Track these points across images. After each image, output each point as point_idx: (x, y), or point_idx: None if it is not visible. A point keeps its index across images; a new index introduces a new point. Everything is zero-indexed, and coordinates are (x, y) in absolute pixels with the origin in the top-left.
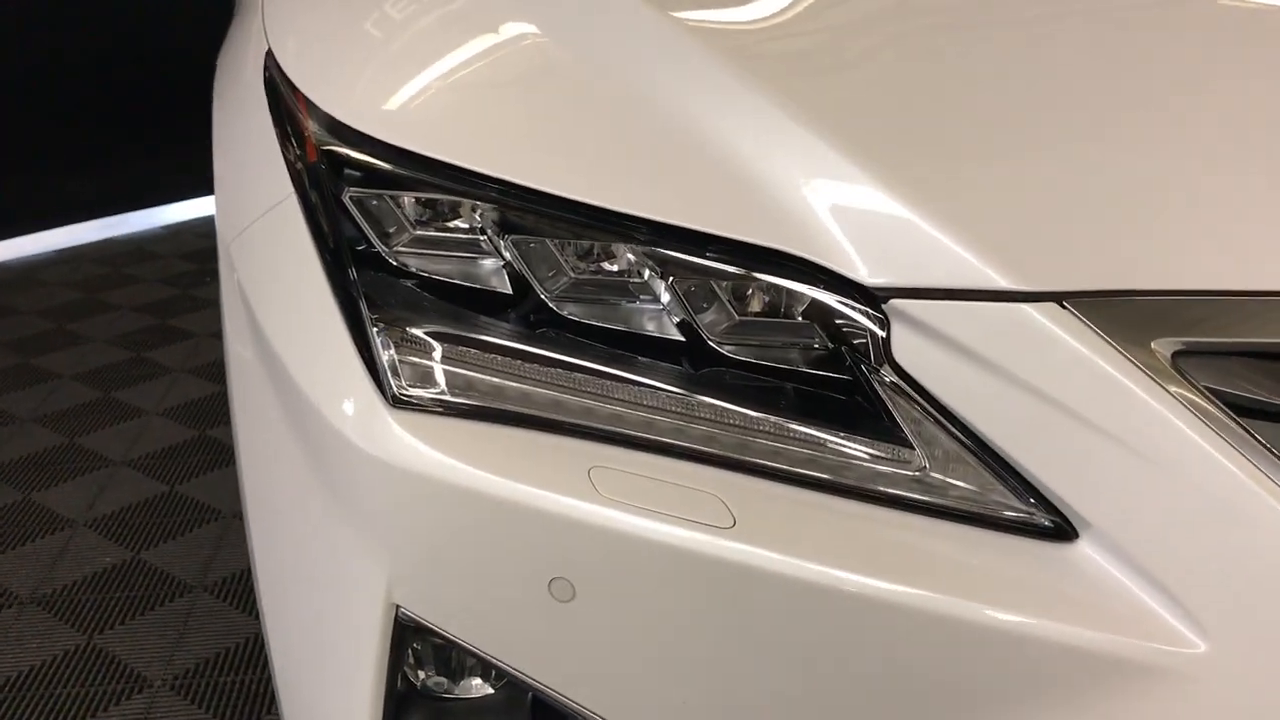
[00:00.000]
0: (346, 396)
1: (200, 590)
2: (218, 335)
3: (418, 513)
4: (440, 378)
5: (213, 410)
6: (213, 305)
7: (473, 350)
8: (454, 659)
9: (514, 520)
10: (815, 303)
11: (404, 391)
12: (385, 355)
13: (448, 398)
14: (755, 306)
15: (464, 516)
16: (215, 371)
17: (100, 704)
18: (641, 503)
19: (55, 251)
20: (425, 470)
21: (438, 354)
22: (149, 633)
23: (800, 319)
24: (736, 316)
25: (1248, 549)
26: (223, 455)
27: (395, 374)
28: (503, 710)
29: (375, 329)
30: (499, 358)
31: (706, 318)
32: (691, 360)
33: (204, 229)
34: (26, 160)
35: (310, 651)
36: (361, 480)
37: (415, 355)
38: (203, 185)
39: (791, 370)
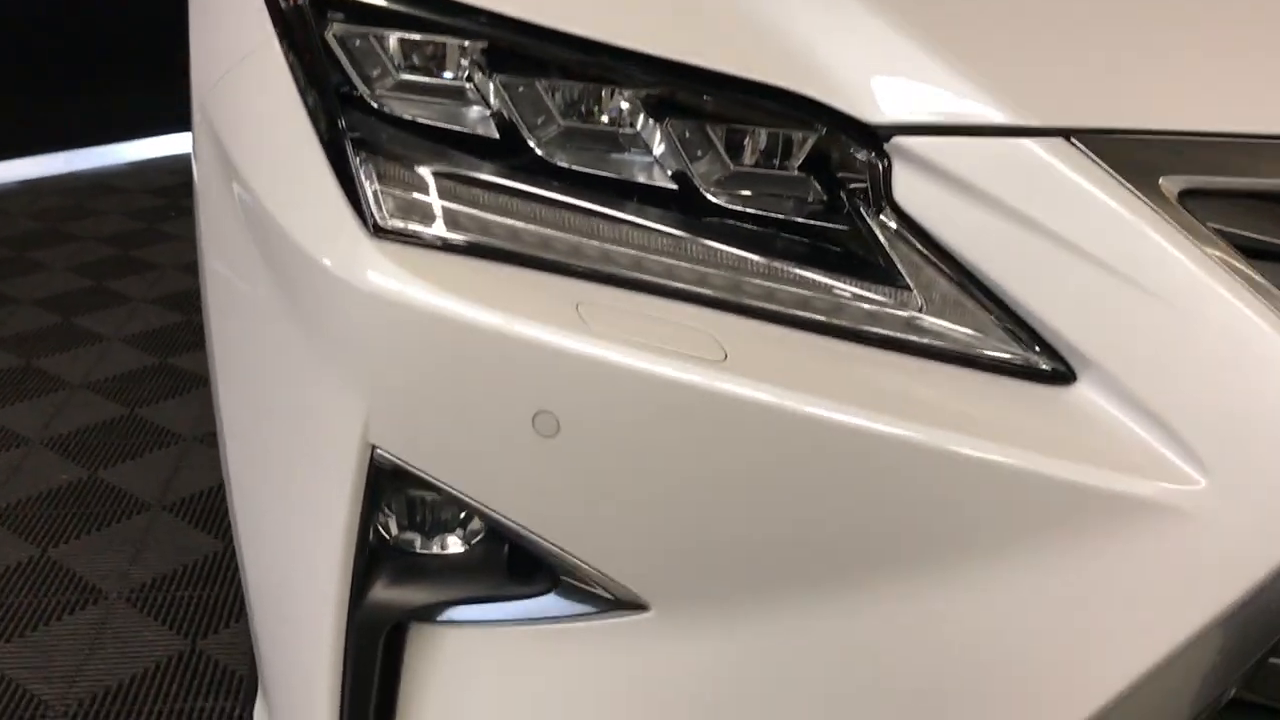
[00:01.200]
0: (327, 229)
1: (159, 509)
2: (181, 268)
3: (398, 345)
4: (424, 210)
5: (175, 339)
6: (178, 238)
7: (459, 185)
8: (425, 515)
9: (498, 352)
10: (812, 152)
11: (386, 222)
12: (369, 186)
13: (431, 230)
14: (749, 158)
15: (446, 348)
16: (178, 301)
17: (54, 613)
18: (628, 335)
19: (18, 182)
20: (407, 300)
21: (422, 187)
22: (105, 548)
23: (796, 171)
24: (731, 167)
25: (1248, 386)
26: (184, 382)
27: (378, 204)
28: (478, 566)
29: (357, 160)
30: (486, 194)
31: (700, 167)
32: (684, 211)
33: (171, 166)
34: None
35: (277, 506)
36: (341, 313)
37: (398, 188)
38: (171, 122)
39: (785, 220)
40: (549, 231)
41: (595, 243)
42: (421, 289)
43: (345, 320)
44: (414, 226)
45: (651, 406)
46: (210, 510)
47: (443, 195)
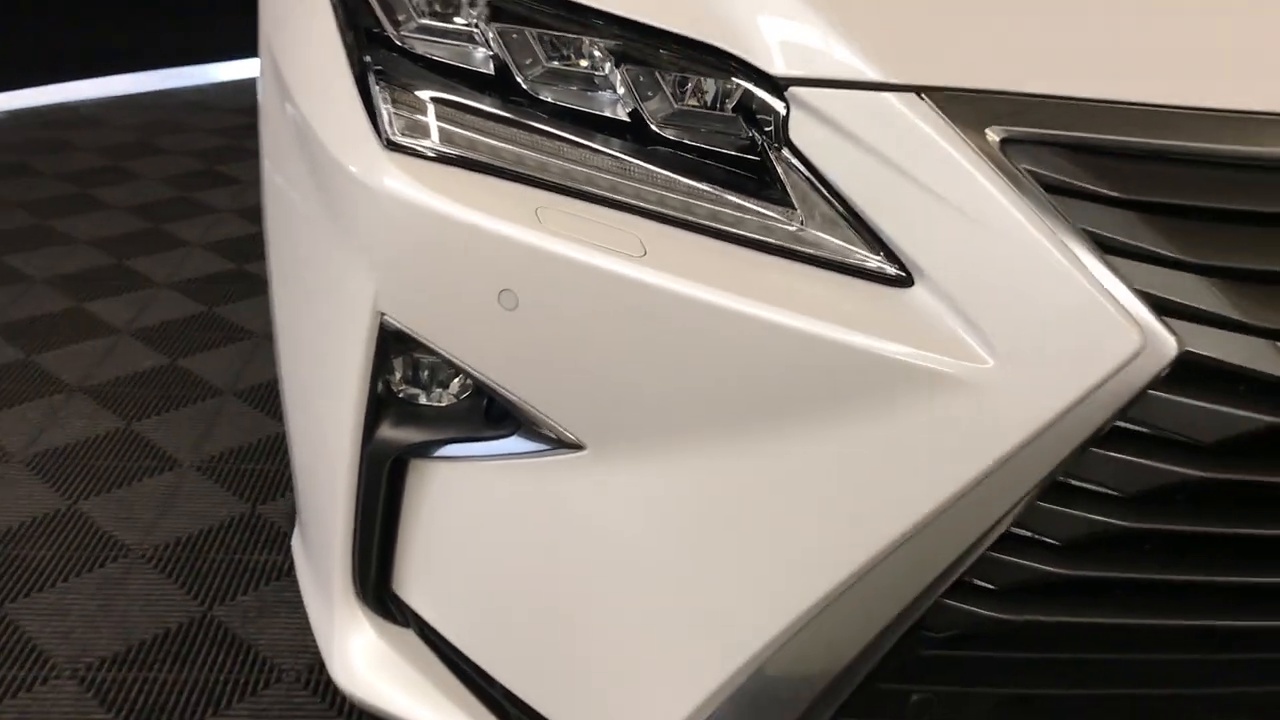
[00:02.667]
0: (353, 141)
1: (230, 394)
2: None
3: (401, 234)
4: (426, 130)
5: (251, 247)
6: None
7: (454, 112)
8: (422, 373)
9: (473, 242)
10: (742, 97)
11: (395, 137)
12: (384, 109)
13: (430, 145)
14: (692, 100)
15: (436, 237)
16: (256, 214)
17: (136, 476)
18: (572, 233)
19: (119, 96)
20: (409, 199)
21: (426, 112)
22: (181, 424)
23: (730, 112)
24: (675, 106)
25: (1032, 290)
26: (257, 286)
27: (390, 124)
28: (461, 415)
29: (378, 88)
30: (476, 120)
31: (651, 106)
32: (637, 140)
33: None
34: (98, 9)
35: (311, 367)
36: (359, 208)
37: (408, 111)
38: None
39: (709, 150)
40: (523, 151)
41: (559, 161)
42: (420, 191)
43: (362, 214)
44: (417, 142)
45: (586, 289)
46: (274, 398)
47: (441, 119)
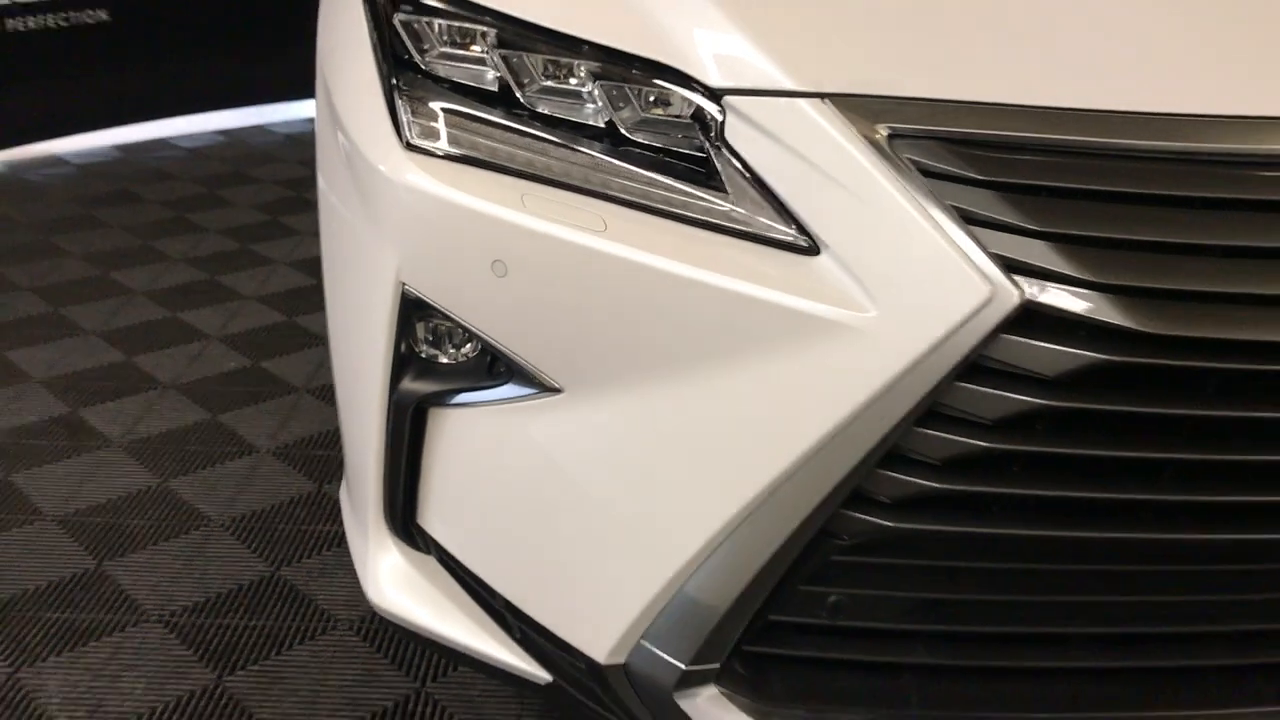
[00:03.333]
0: (380, 144)
1: (304, 391)
2: None
3: (417, 217)
4: (437, 134)
5: None
6: None
7: (461, 120)
8: (438, 334)
9: (472, 222)
10: (687, 103)
11: (413, 140)
12: (405, 118)
13: (440, 146)
14: (656, 110)
15: (442, 219)
16: None
17: (219, 459)
18: (549, 214)
19: (217, 132)
20: (422, 189)
21: (438, 120)
22: (260, 416)
23: (689, 119)
24: (641, 114)
25: (903, 252)
26: None
27: (409, 130)
28: (470, 370)
29: (401, 102)
30: (479, 126)
31: (623, 114)
32: (612, 142)
33: None
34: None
35: (351, 332)
36: (384, 197)
37: (424, 120)
38: None
39: (666, 149)
40: (515, 150)
41: (543, 159)
42: (430, 182)
43: (387, 202)
44: (430, 144)
45: (557, 258)
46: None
47: (450, 125)
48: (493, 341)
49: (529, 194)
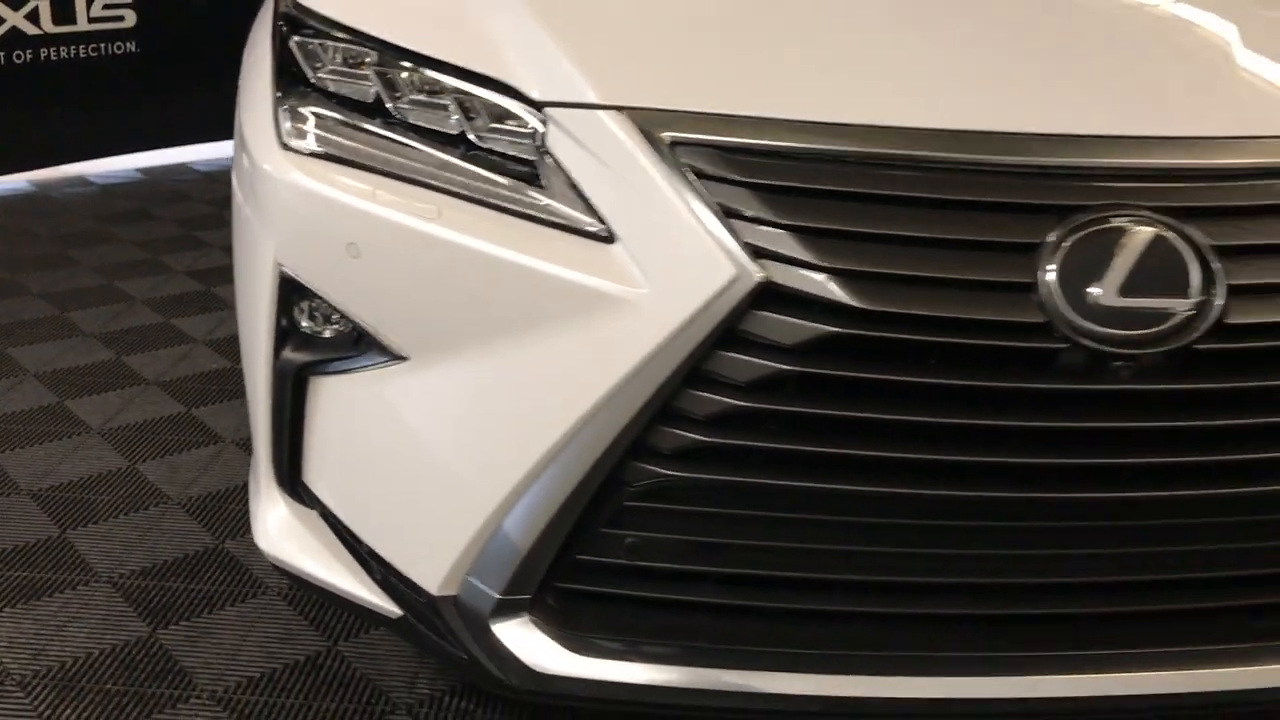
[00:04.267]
0: (265, 147)
1: None
2: None
3: (288, 208)
4: (306, 136)
5: None
6: None
7: (330, 124)
8: (316, 313)
9: (331, 210)
10: (521, 114)
11: (288, 141)
12: (283, 124)
13: (307, 146)
14: (497, 121)
15: (309, 209)
16: None
17: (188, 446)
18: (394, 205)
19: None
20: (291, 181)
21: (307, 124)
22: (229, 411)
23: (522, 126)
24: (489, 124)
25: (675, 242)
26: None
27: (284, 133)
28: (339, 342)
29: (281, 110)
30: (345, 130)
31: (475, 125)
32: (467, 147)
33: None
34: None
35: (246, 309)
36: (264, 190)
37: (298, 124)
38: None
39: (504, 153)
40: (374, 151)
41: (395, 158)
42: (299, 177)
43: (266, 194)
44: (300, 144)
45: (399, 241)
46: None
47: (319, 129)
48: (350, 314)
49: (381, 187)
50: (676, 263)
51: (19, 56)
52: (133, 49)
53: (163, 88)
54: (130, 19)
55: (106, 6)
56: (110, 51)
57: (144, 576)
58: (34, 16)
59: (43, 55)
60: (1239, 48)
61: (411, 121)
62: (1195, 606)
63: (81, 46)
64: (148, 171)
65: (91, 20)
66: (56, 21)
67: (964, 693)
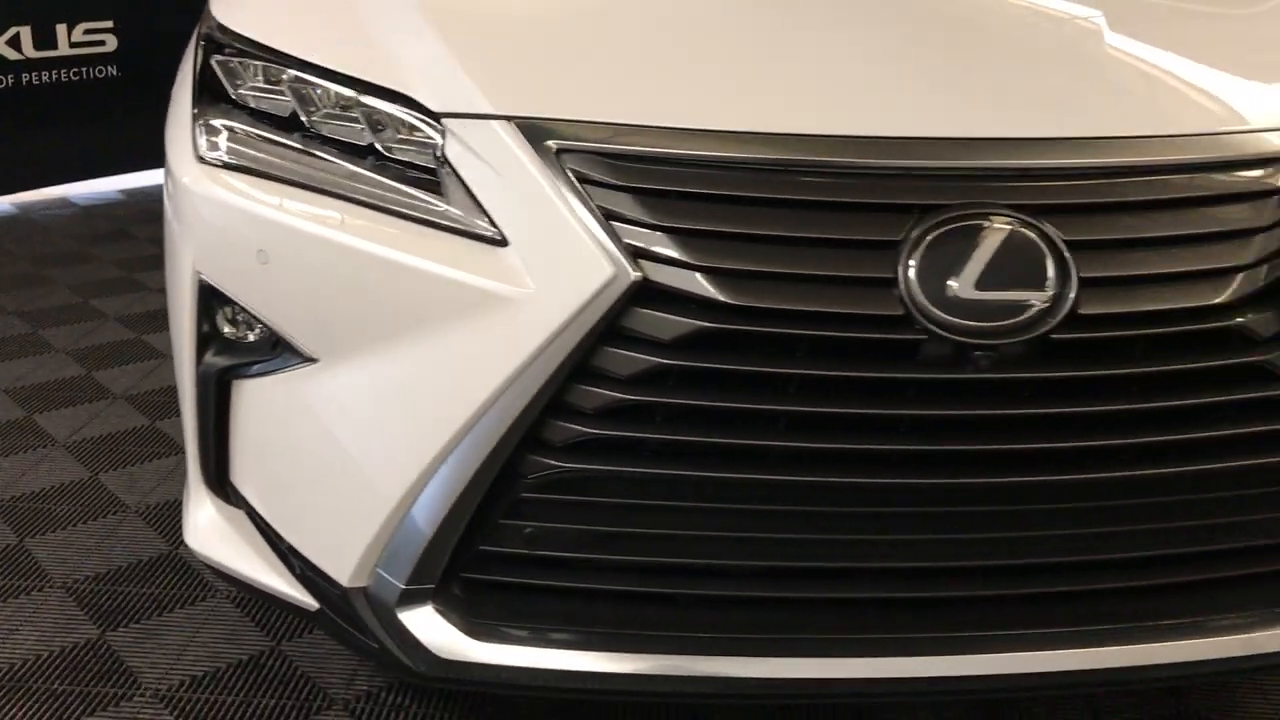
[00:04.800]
0: (184, 159)
1: None
2: None
3: (203, 217)
4: (219, 149)
5: None
6: None
7: (244, 138)
8: (237, 318)
9: (241, 219)
10: (424, 126)
11: (203, 154)
12: (199, 138)
13: (219, 158)
14: (404, 132)
15: (221, 218)
16: None
17: (148, 459)
18: (299, 214)
19: None
20: (204, 192)
21: (220, 137)
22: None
23: (425, 136)
24: (397, 135)
25: (560, 244)
26: None
27: (200, 147)
28: (257, 345)
29: (197, 125)
30: (257, 142)
31: (383, 137)
32: (376, 158)
33: None
34: None
35: (173, 316)
36: (183, 201)
37: (213, 138)
38: None
39: (408, 162)
40: (285, 163)
41: (303, 169)
42: (212, 188)
43: (184, 205)
44: (213, 156)
45: (304, 247)
46: None
47: (231, 141)
48: (263, 319)
49: (288, 197)
50: (560, 263)
51: (1, 82)
52: (114, 73)
53: (144, 111)
54: (111, 44)
55: (88, 31)
56: (92, 75)
57: (97, 581)
58: (15, 42)
59: (25, 80)
60: (1097, 52)
61: (326, 135)
62: (1061, 590)
63: (63, 71)
64: (129, 193)
65: (73, 45)
66: (38, 47)
67: (850, 673)
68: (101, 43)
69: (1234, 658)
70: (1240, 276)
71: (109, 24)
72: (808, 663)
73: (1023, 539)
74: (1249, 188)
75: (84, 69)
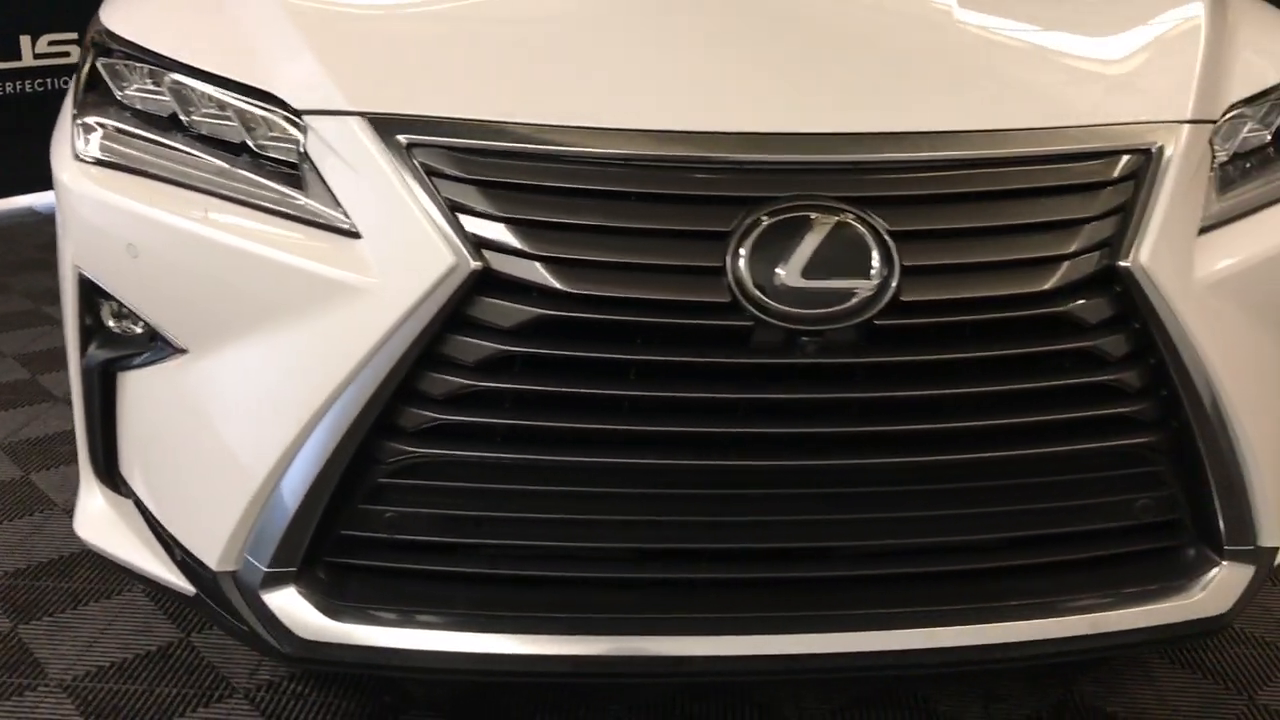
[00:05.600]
0: (62, 158)
1: None
2: None
3: (78, 214)
4: (94, 147)
5: None
6: None
7: (120, 136)
8: (123, 314)
9: (113, 214)
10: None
11: (79, 152)
12: (77, 137)
13: (94, 156)
14: (275, 131)
15: (95, 214)
16: None
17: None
18: (166, 208)
19: None
20: (78, 188)
21: (97, 137)
22: None
23: (289, 135)
24: (269, 132)
25: (406, 234)
26: None
27: (75, 145)
28: (138, 338)
29: (75, 125)
30: (135, 140)
31: (255, 136)
32: (250, 155)
33: None
34: None
35: (63, 310)
36: (61, 198)
37: (89, 137)
38: None
39: (277, 159)
40: (158, 160)
41: (175, 165)
42: (85, 184)
43: (63, 202)
44: (88, 153)
45: (170, 240)
46: None
47: (106, 139)
48: (137, 311)
49: (156, 193)
50: (406, 253)
51: None
52: None
53: None
54: (75, 55)
55: (52, 43)
56: (57, 86)
57: (17, 577)
58: None
59: None
60: (934, 47)
61: (204, 134)
62: (906, 572)
63: (28, 82)
64: None
65: (37, 57)
66: (3, 58)
67: (700, 651)
68: (66, 54)
69: (1080, 636)
70: (1066, 265)
71: (74, 35)
72: (658, 641)
73: (861, 521)
74: (1076, 179)
75: (49, 80)
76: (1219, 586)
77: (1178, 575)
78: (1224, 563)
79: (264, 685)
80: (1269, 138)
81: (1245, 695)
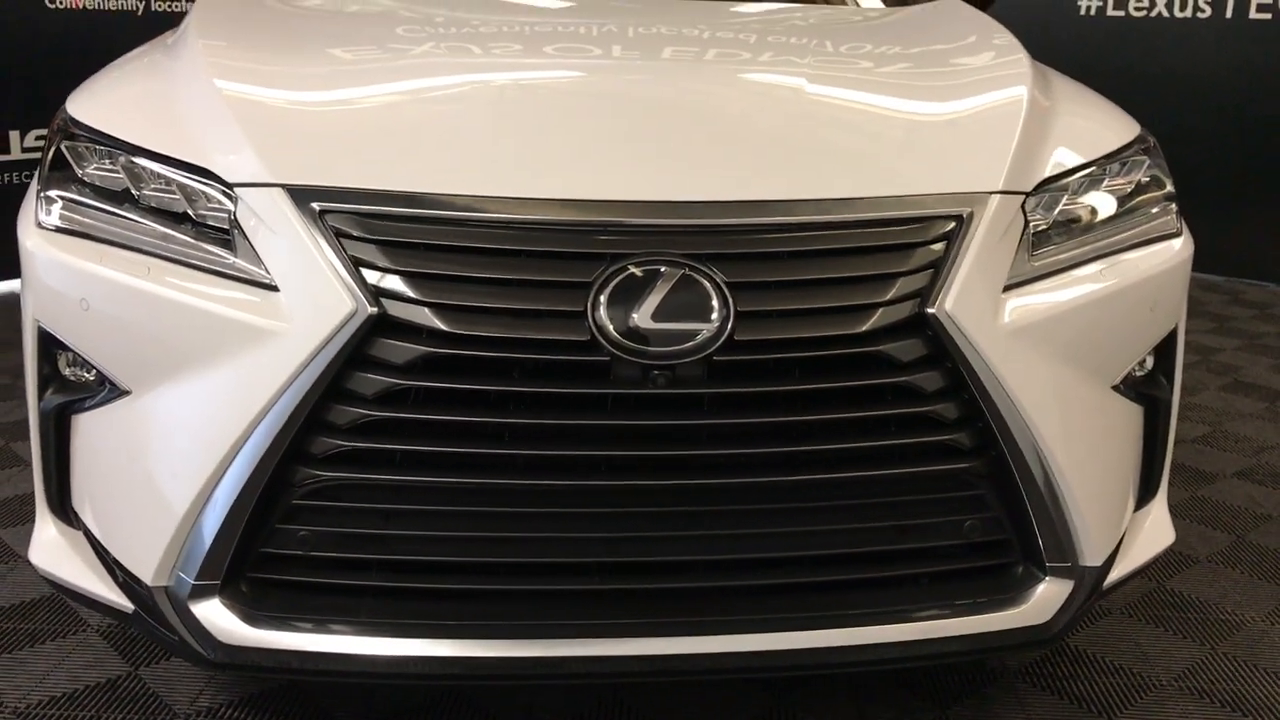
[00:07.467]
0: (27, 225)
1: None
2: None
3: (37, 273)
4: (52, 215)
5: None
6: None
7: (76, 207)
8: (77, 363)
9: (67, 272)
10: (224, 194)
11: (42, 221)
12: (42, 208)
13: (52, 223)
14: (212, 202)
15: (51, 272)
16: None
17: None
18: (113, 267)
19: None
20: (38, 251)
21: (54, 206)
22: None
23: (222, 205)
24: (207, 203)
25: (314, 286)
26: None
27: (38, 214)
28: (91, 384)
29: (38, 199)
30: (89, 210)
31: (196, 207)
32: (192, 223)
33: None
34: None
35: (25, 363)
36: (25, 260)
37: (49, 207)
38: None
39: (216, 226)
40: (109, 227)
41: (124, 231)
42: (44, 247)
43: (25, 263)
44: (48, 221)
45: (115, 294)
46: None
47: (65, 209)
48: (88, 358)
49: (106, 254)
50: (314, 302)
51: None
52: None
53: None
54: None
55: (39, 138)
56: None
57: None
58: None
59: None
60: (778, 125)
61: (152, 205)
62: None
63: (15, 173)
64: None
65: (24, 150)
66: None
67: (577, 652)
68: None
69: (917, 641)
70: (881, 311)
71: None
72: (540, 645)
73: (716, 536)
74: (893, 240)
75: (35, 172)
76: (1040, 600)
77: (1005, 589)
78: (1046, 579)
79: (203, 711)
80: (1084, 208)
81: (1106, 718)
